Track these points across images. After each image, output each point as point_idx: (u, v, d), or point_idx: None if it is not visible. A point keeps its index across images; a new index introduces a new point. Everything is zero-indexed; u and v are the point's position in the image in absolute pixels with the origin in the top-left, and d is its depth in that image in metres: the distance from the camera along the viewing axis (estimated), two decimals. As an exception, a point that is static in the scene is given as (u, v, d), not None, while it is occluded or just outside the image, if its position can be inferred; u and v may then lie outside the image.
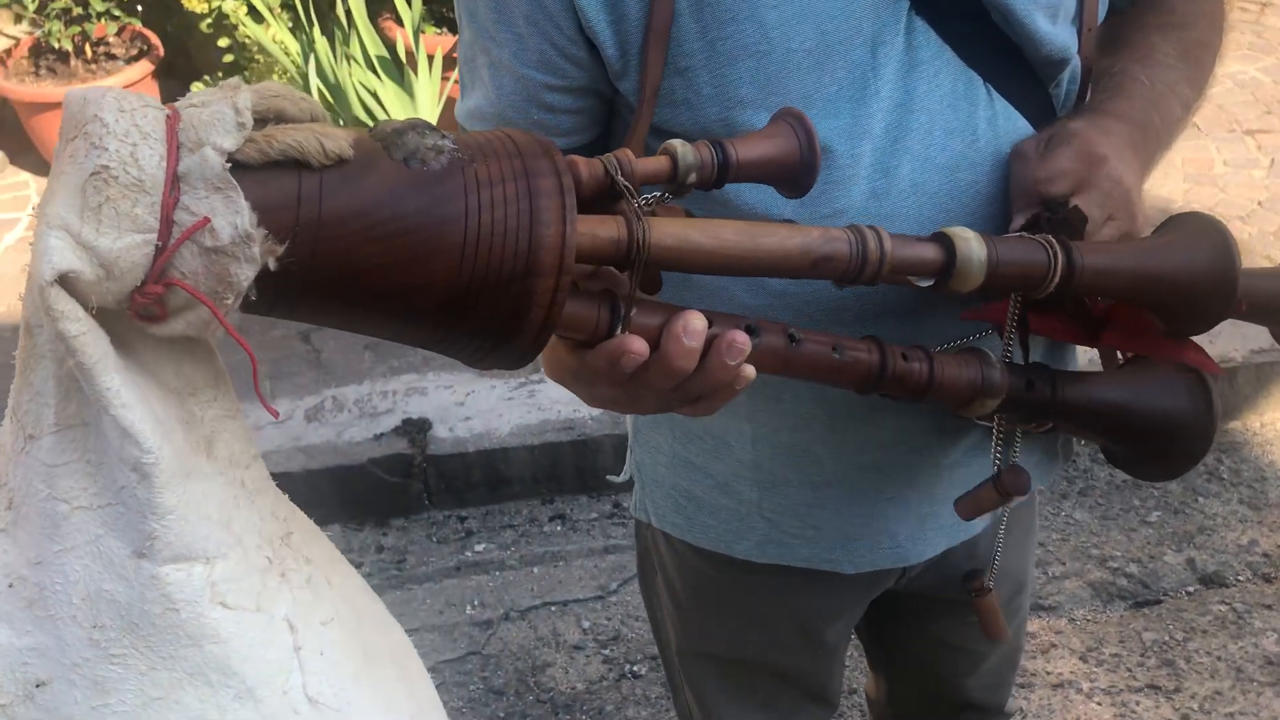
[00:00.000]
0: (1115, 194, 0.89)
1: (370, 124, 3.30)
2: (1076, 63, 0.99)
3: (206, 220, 0.57)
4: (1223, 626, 2.44)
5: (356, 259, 0.61)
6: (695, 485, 1.14)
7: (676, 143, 0.74)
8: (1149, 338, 0.90)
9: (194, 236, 0.57)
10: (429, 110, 3.41)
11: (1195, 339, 0.93)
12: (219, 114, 0.59)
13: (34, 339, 0.60)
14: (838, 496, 1.09)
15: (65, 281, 0.55)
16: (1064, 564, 2.60)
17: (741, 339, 0.73)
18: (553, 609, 2.55)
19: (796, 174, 0.77)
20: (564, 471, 2.77)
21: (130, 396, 0.58)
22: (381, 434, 2.76)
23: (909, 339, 0.88)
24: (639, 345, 0.71)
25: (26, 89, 3.62)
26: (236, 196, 0.58)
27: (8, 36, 3.83)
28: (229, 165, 0.58)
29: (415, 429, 2.77)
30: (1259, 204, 3.44)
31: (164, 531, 0.60)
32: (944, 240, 0.79)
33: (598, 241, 0.69)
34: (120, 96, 0.58)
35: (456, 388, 2.89)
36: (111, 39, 3.83)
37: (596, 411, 2.77)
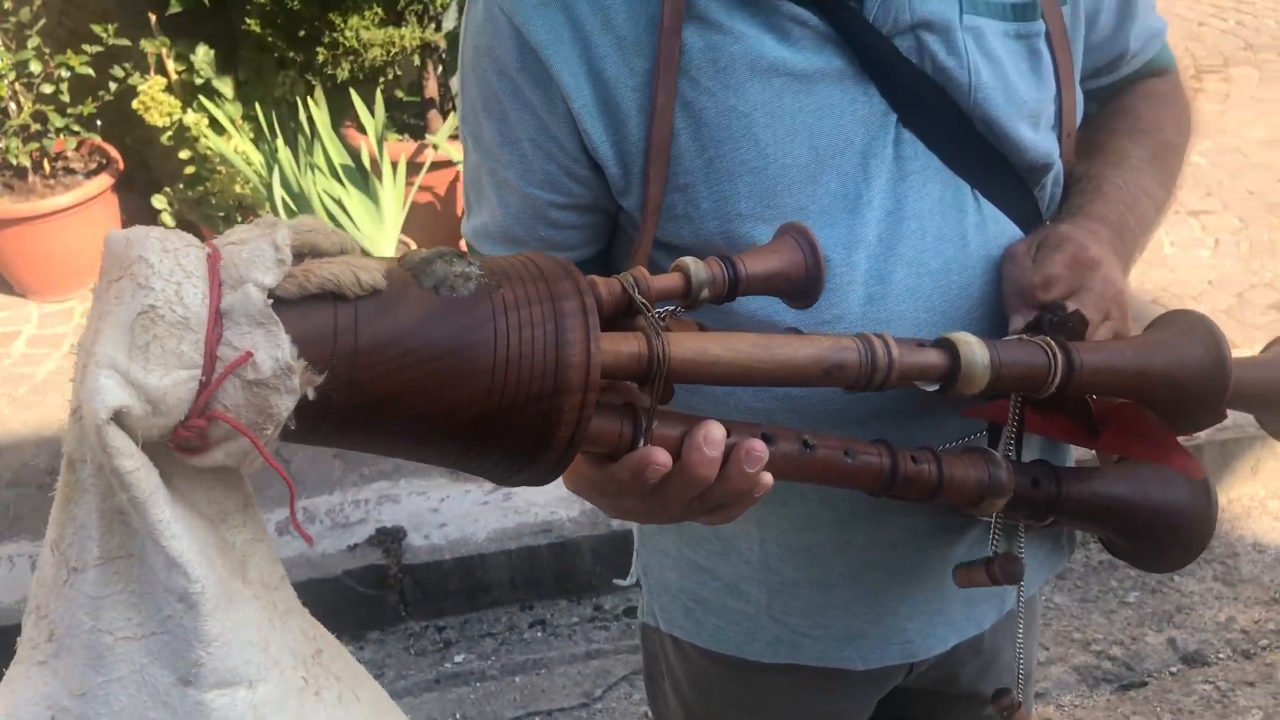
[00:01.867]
0: (1109, 295, 0.92)
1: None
2: (1059, 167, 1.02)
3: (249, 355, 0.59)
4: (1208, 706, 2.44)
5: (392, 385, 0.63)
6: (704, 588, 1.13)
7: (689, 260, 0.77)
8: (1144, 440, 0.93)
9: (237, 371, 0.58)
10: (393, 215, 3.43)
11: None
12: (259, 251, 0.60)
13: (76, 474, 0.60)
14: (847, 595, 1.09)
15: (117, 418, 0.55)
16: (1048, 649, 2.60)
17: (760, 447, 0.75)
18: (537, 719, 2.50)
19: (803, 287, 0.81)
20: (543, 575, 2.73)
21: (179, 528, 0.58)
22: (355, 544, 2.72)
23: (909, 437, 0.89)
24: (663, 457, 0.73)
25: (-15, 206, 3.61)
26: (277, 330, 0.59)
27: (-35, 155, 3.82)
28: (270, 301, 0.60)
29: (389, 538, 2.73)
30: (1209, 283, 3.54)
31: (209, 658, 0.60)
32: (947, 346, 0.81)
33: (620, 357, 0.71)
34: (163, 237, 0.59)
35: (430, 494, 2.86)
36: (70, 153, 3.84)
37: (574, 513, 2.75)
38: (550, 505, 2.77)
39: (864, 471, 0.83)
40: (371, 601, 2.69)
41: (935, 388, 0.82)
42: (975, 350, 0.80)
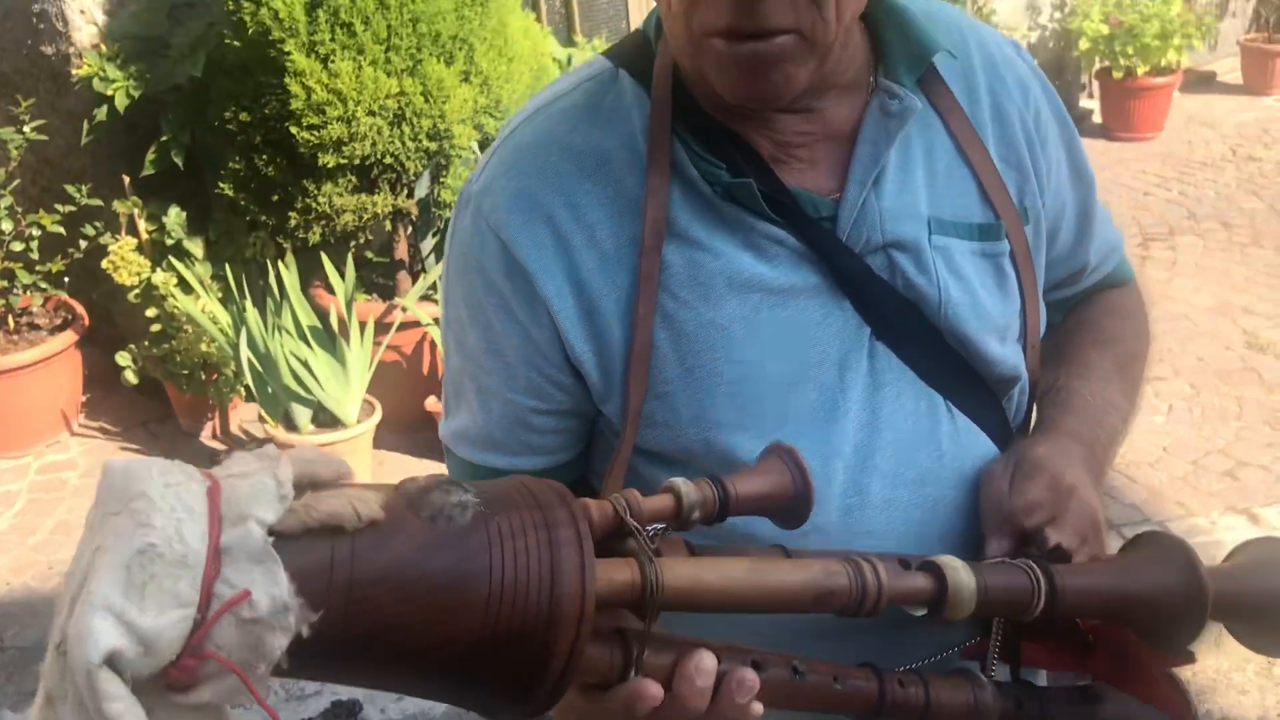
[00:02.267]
0: (1086, 520, 0.94)
1: (301, 392, 3.31)
2: (1025, 379, 1.06)
3: (246, 593, 0.58)
4: None
5: (386, 618, 0.62)
6: None
7: (679, 481, 0.78)
8: (1135, 671, 0.93)
9: (232, 609, 0.57)
10: (359, 376, 3.44)
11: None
12: (261, 486, 0.60)
13: (55, 709, 0.58)
14: None
15: (109, 660, 0.54)
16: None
17: (751, 677, 0.74)
18: None
19: (791, 508, 0.81)
20: (504, 750, 2.66)
21: (159, 765, 0.56)
22: (309, 718, 2.64)
23: (896, 648, 0.89)
24: (655, 690, 0.72)
25: (-54, 362, 3.58)
26: (277, 568, 0.59)
27: (-72, 310, 3.81)
28: (270, 538, 0.59)
29: (344, 711, 2.65)
30: (1164, 450, 3.60)
31: None
32: (934, 570, 0.82)
33: (614, 586, 0.70)
34: (164, 471, 0.59)
35: (390, 663, 2.79)
36: (36, 308, 3.83)
37: (537, 684, 2.69)
38: (513, 676, 2.71)
39: (854, 698, 0.82)
40: (326, 778, 2.60)
41: (923, 612, 0.83)
42: (962, 575, 0.81)
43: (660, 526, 0.79)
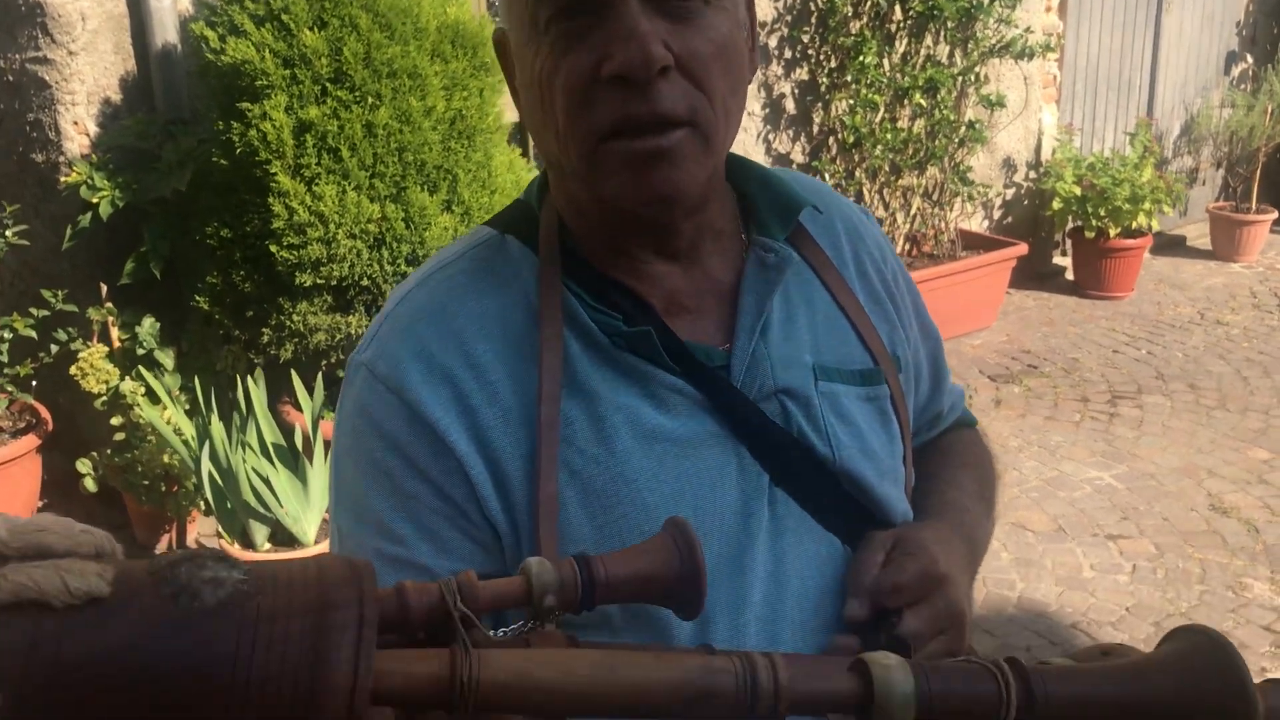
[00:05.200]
0: (949, 613, 0.94)
1: (260, 509, 3.27)
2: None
3: None
4: None
5: (96, 711, 0.52)
6: None
7: (534, 560, 0.68)
8: None
9: None
10: (321, 495, 3.40)
11: None
12: None
13: None
14: None
15: None
16: None
17: None
18: None
19: (679, 592, 0.70)
20: None
21: None
22: None
23: None
24: None
25: (-99, 461, 3.53)
26: None
27: (-110, 407, 3.77)
28: None
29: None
30: (1127, 610, 3.58)
31: None
32: (859, 668, 0.67)
33: (413, 681, 0.59)
34: None
35: None
36: (0, 411, 3.81)
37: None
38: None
39: None
40: None
41: None
42: (894, 675, 0.65)
43: (530, 625, 0.68)
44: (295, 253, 3.38)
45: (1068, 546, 3.90)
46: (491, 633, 0.65)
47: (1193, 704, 0.70)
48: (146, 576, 0.55)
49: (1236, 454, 4.58)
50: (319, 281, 3.42)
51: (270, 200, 3.38)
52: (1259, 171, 7.18)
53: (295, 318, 3.47)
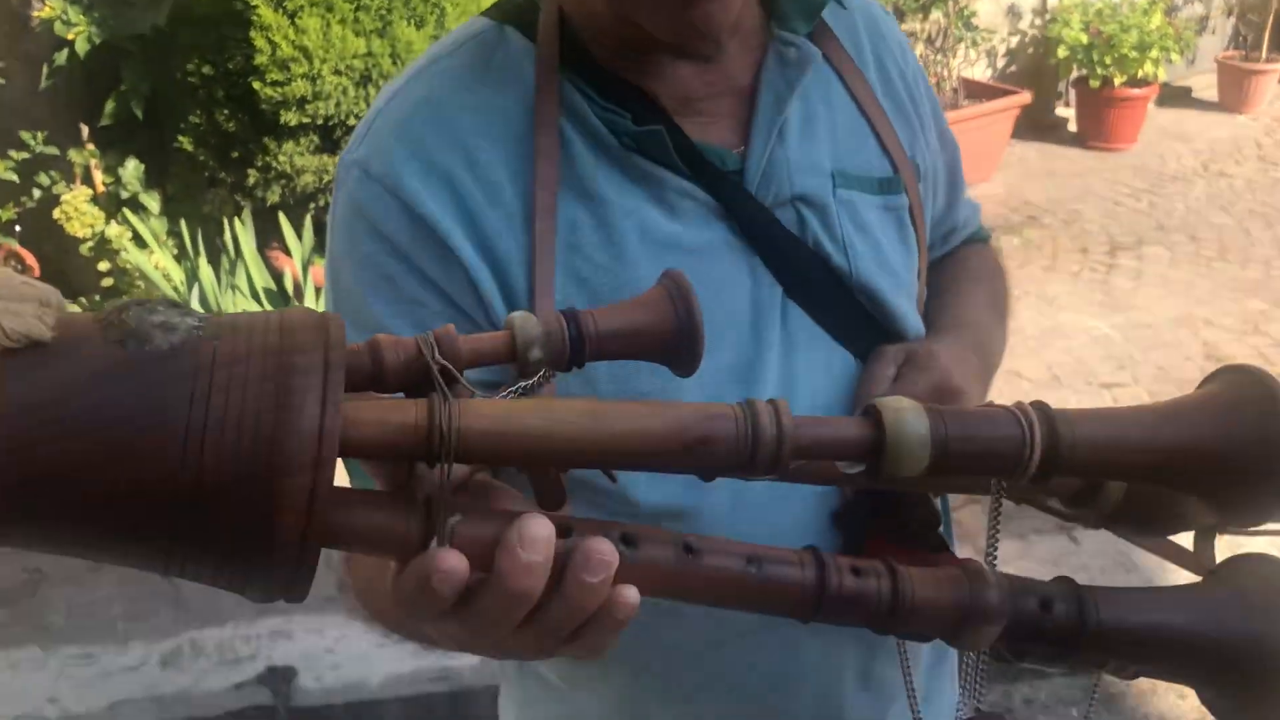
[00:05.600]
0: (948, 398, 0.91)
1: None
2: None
3: None
4: None
5: (47, 460, 0.49)
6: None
7: (518, 314, 0.63)
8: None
9: None
10: (313, 342, 3.38)
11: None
12: None
13: None
14: None
15: None
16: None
17: (604, 550, 0.57)
18: None
19: (676, 347, 0.64)
20: (438, 725, 2.62)
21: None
22: (242, 683, 2.59)
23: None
24: (453, 561, 0.56)
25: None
26: None
27: (-128, 252, 3.72)
28: None
29: (279, 678, 2.60)
30: (1120, 456, 3.60)
31: None
32: (870, 413, 0.62)
33: (388, 429, 0.55)
34: None
35: (325, 631, 2.74)
36: (-16, 258, 3.75)
37: (474, 659, 2.65)
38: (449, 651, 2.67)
39: (774, 589, 0.62)
40: (254, 745, 2.55)
41: (860, 469, 0.64)
42: (907, 418, 0.61)
43: (525, 383, 0.64)
44: (279, 89, 3.28)
45: (1062, 395, 3.90)
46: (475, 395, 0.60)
47: (1235, 444, 0.64)
48: (93, 324, 0.52)
49: (1234, 304, 4.56)
50: (304, 120, 3.32)
51: (252, 34, 3.26)
52: (1271, 19, 6.98)
53: (281, 158, 3.39)
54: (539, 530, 0.57)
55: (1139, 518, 0.78)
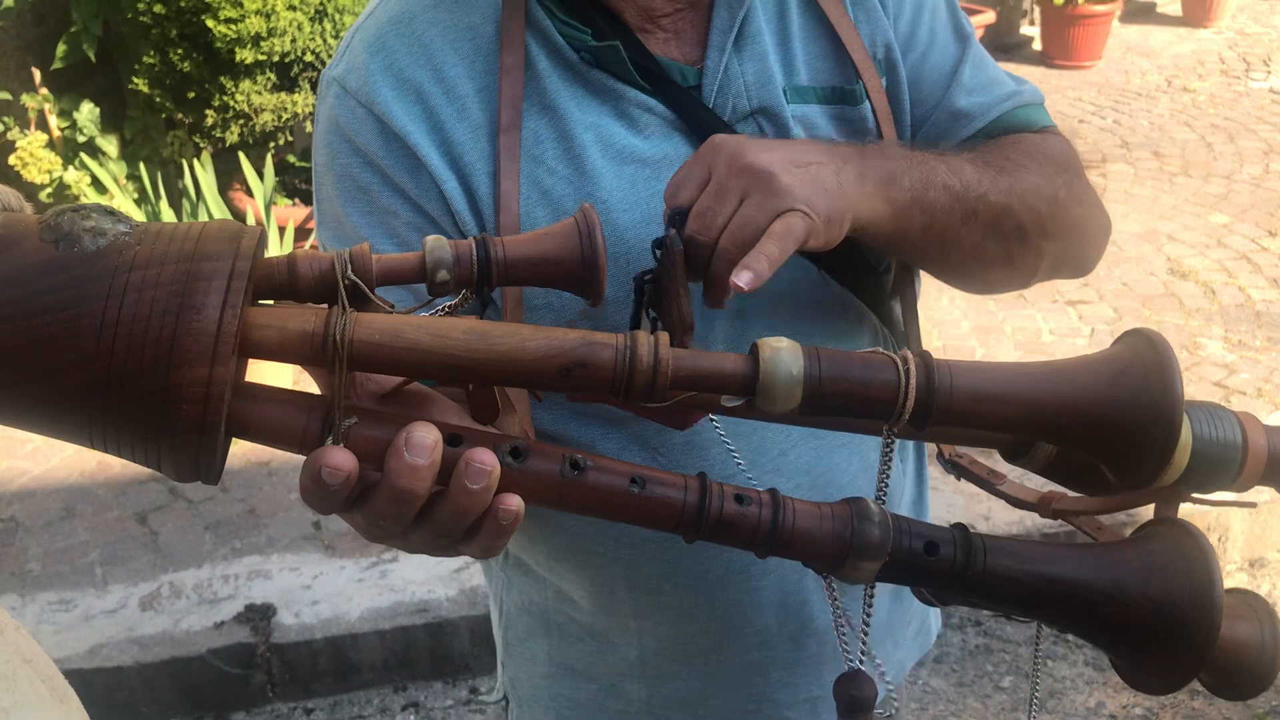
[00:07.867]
0: (734, 173, 0.80)
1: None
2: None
3: None
4: (1079, 792, 2.46)
5: None
6: (578, 692, 1.11)
7: (430, 238, 0.67)
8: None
9: None
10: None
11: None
12: None
13: None
14: (726, 684, 1.07)
15: None
16: (924, 734, 2.61)
17: (484, 459, 0.62)
18: (405, 805, 2.42)
19: (579, 275, 0.69)
20: (417, 656, 2.66)
21: None
22: (222, 622, 2.62)
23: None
24: (339, 458, 0.61)
25: None
26: None
27: None
28: None
29: (258, 615, 2.63)
30: (1084, 372, 3.65)
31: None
32: (752, 351, 0.66)
33: (286, 335, 0.61)
34: None
35: (303, 570, 2.77)
36: (-59, 208, 3.70)
37: (452, 592, 2.69)
38: (428, 584, 2.70)
39: (654, 507, 0.66)
40: (236, 681, 2.58)
41: (738, 402, 0.67)
42: (783, 356, 0.64)
43: (450, 301, 0.69)
44: (233, 27, 3.23)
45: (1028, 313, 3.94)
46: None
47: (1120, 406, 0.66)
48: (35, 225, 0.58)
49: (1197, 219, 4.59)
50: (260, 58, 3.28)
51: (203, -29, 3.21)
52: (1234, -69, 6.95)
53: (239, 98, 3.34)
54: (425, 436, 0.62)
55: (1071, 472, 0.82)
